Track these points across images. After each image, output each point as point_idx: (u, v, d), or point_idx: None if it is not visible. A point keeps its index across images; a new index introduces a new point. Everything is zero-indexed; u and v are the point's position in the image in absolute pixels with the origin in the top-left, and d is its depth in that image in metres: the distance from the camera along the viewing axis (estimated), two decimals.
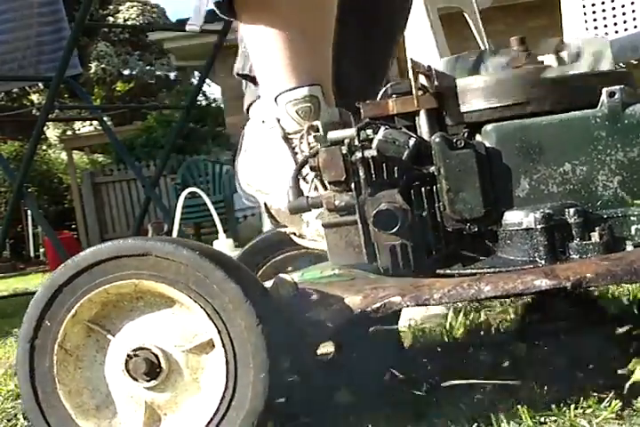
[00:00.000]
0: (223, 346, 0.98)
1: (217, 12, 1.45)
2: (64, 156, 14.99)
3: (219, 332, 0.98)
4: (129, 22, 16.72)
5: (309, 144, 1.34)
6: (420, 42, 2.53)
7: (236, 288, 0.97)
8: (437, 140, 1.07)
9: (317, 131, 1.33)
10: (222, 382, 0.98)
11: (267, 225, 1.79)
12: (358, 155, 1.07)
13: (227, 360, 0.98)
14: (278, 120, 1.38)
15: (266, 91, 1.44)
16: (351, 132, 1.09)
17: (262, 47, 1.44)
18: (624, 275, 0.94)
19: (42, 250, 12.00)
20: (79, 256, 1.03)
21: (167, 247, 1.00)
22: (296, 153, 1.37)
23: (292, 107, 1.37)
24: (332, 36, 1.47)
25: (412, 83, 1.08)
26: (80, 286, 1.02)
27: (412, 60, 1.06)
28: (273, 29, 1.40)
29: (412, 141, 1.07)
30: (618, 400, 1.00)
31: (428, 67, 1.10)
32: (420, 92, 1.09)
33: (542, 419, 1.00)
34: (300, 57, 1.41)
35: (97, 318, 1.04)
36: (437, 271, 1.09)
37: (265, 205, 1.41)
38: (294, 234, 1.37)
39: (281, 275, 1.07)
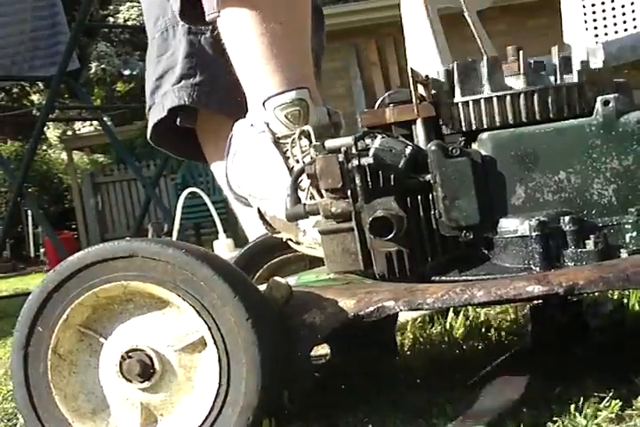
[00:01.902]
0: (214, 343, 0.99)
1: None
2: (64, 156, 14.96)
3: (209, 329, 0.99)
4: (129, 23, 16.65)
5: (301, 148, 1.35)
6: (420, 42, 2.52)
7: (224, 284, 0.98)
8: (433, 148, 1.07)
9: (309, 136, 1.33)
10: (216, 379, 0.98)
11: (248, 230, 1.80)
12: (355, 162, 1.08)
13: (219, 357, 0.98)
14: (267, 124, 1.39)
15: (253, 95, 1.44)
16: (348, 140, 1.10)
17: (245, 51, 1.44)
18: (616, 281, 0.95)
19: (42, 250, 11.99)
20: (67, 262, 1.04)
21: (153, 247, 1.01)
22: (287, 158, 1.37)
23: (280, 111, 1.37)
24: (309, 36, 1.47)
25: (413, 92, 1.09)
26: (70, 290, 1.03)
27: (411, 69, 1.07)
28: (254, 32, 1.41)
29: (408, 150, 1.08)
30: (618, 400, 1.00)
31: (426, 76, 1.11)
32: (418, 101, 1.10)
33: (542, 419, 1.00)
34: (284, 59, 1.41)
35: (88, 322, 1.05)
36: (433, 278, 1.10)
37: (259, 210, 1.41)
38: (291, 240, 1.38)
39: (276, 278, 1.08)
